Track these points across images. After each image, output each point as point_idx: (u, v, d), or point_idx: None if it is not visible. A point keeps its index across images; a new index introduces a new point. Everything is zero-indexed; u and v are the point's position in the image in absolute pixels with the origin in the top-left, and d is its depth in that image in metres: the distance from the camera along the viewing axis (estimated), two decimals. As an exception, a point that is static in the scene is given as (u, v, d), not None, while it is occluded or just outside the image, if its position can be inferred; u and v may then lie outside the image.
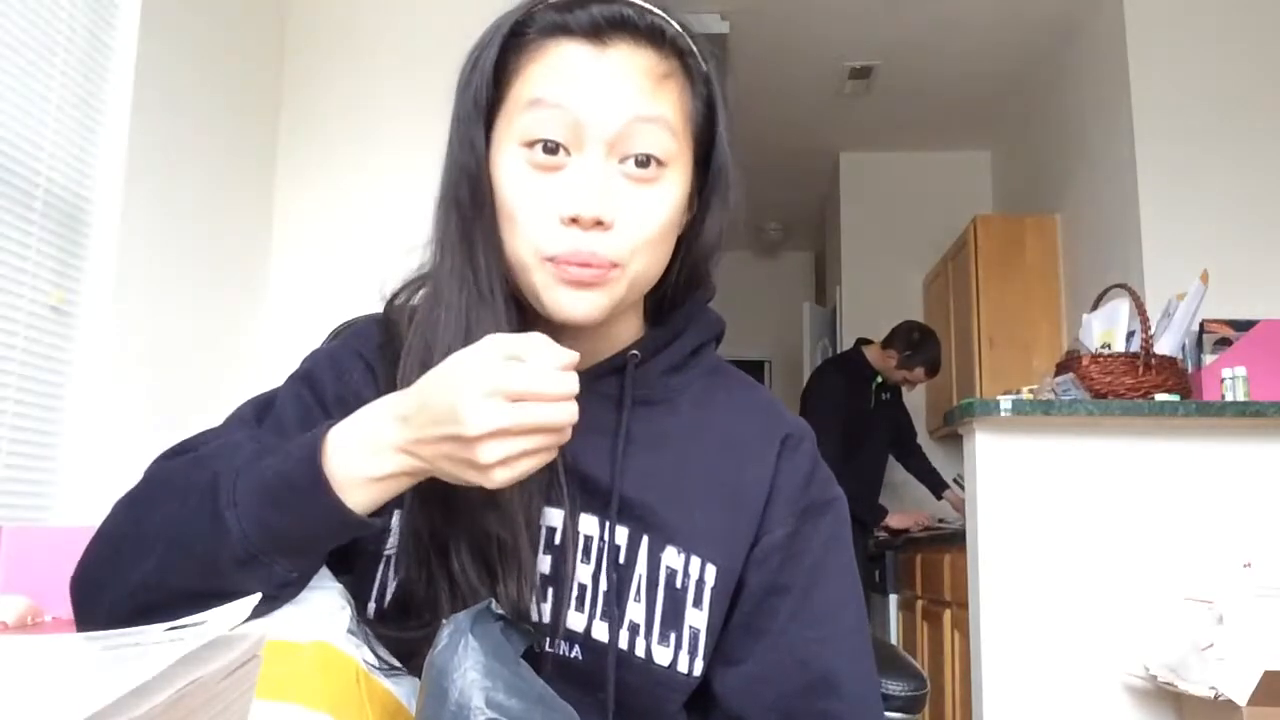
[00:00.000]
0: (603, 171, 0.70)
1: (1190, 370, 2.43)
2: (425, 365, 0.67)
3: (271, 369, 2.37)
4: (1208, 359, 2.40)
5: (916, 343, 3.77)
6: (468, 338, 0.68)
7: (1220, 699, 1.84)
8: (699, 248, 0.79)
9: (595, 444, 0.75)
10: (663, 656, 0.74)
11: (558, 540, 0.74)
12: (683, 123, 0.74)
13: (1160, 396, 2.22)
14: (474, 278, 0.73)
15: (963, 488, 2.42)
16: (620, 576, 0.75)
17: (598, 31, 0.70)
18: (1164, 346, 2.35)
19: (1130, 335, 2.37)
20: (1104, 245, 3.67)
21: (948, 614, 3.04)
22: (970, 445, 2.32)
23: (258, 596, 0.51)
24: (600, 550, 0.75)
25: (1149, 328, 2.31)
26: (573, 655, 0.74)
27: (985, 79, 4.40)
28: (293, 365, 0.82)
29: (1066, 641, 2.19)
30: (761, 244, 6.65)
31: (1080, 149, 3.92)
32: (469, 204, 0.73)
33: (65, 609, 1.18)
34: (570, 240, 0.70)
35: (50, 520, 1.82)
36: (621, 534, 0.75)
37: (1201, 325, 2.44)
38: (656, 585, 0.75)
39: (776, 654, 0.76)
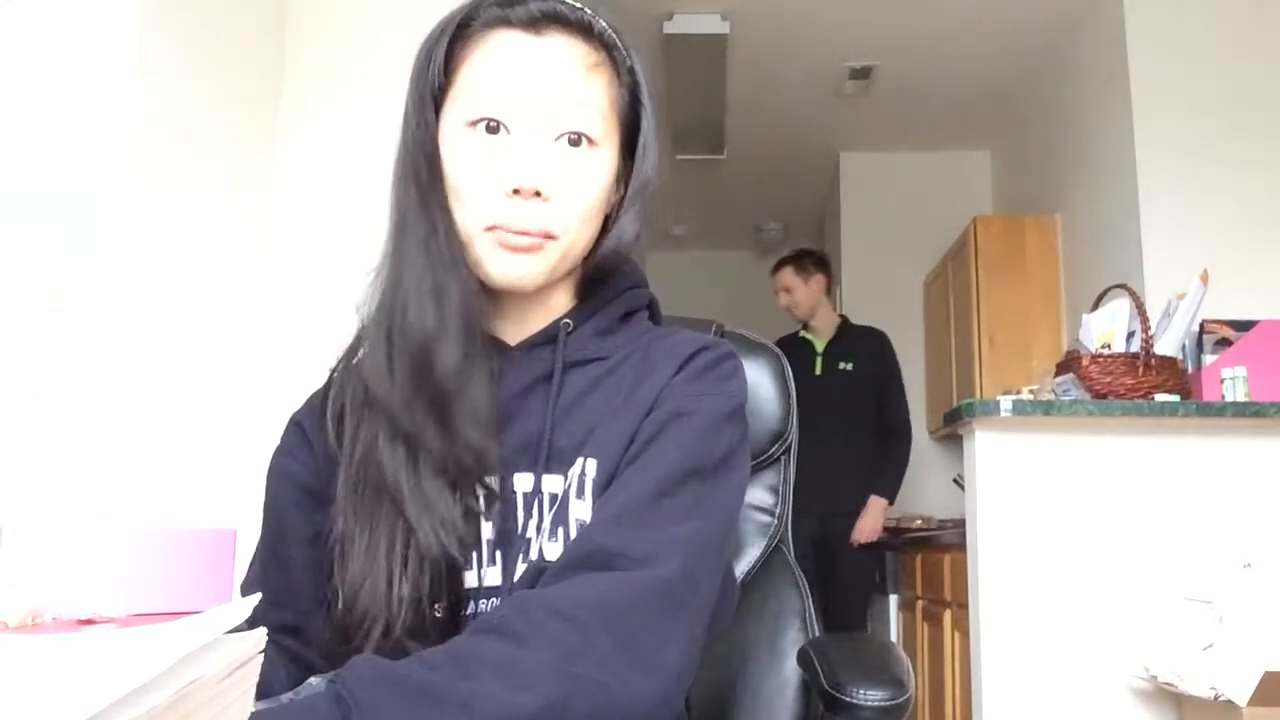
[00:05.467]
0: (540, 146, 0.77)
1: (1190, 370, 2.43)
2: (392, 334, 0.77)
3: (274, 367, 2.38)
4: (1208, 359, 2.40)
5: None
6: (437, 301, 0.76)
7: (1220, 699, 1.84)
8: (621, 229, 0.83)
9: (530, 407, 0.80)
10: (552, 552, 0.76)
11: (497, 505, 0.77)
12: (610, 109, 0.81)
13: (1160, 397, 2.22)
14: (438, 244, 0.78)
15: (962, 488, 2.42)
16: (556, 520, 0.77)
17: (534, 23, 0.78)
18: (1164, 346, 2.35)
19: (1130, 335, 2.37)
20: (1104, 245, 3.67)
21: (948, 614, 3.04)
22: (970, 445, 2.32)
23: (257, 597, 0.51)
24: (536, 502, 0.78)
25: (1149, 328, 2.31)
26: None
27: (985, 79, 4.39)
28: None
29: (1067, 642, 2.19)
30: (761, 244, 6.65)
31: (1080, 149, 3.92)
32: (426, 178, 0.79)
33: (65, 609, 1.18)
34: (512, 210, 0.76)
35: (50, 520, 1.81)
36: (557, 482, 0.78)
37: (1201, 325, 2.44)
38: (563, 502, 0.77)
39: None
